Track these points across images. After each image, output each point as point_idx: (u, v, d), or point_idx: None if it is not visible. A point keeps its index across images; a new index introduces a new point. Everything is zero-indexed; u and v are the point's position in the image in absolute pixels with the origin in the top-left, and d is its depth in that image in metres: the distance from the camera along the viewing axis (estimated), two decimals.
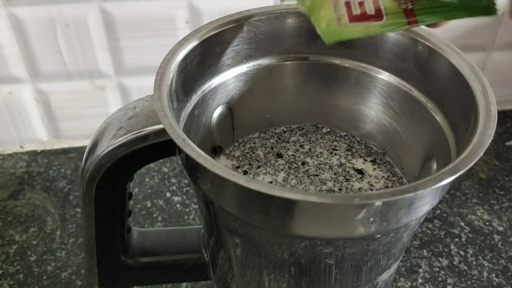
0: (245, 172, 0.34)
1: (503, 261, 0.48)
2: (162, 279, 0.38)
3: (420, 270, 0.47)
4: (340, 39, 0.25)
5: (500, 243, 0.49)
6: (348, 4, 0.24)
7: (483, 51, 0.60)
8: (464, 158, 0.23)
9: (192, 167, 0.26)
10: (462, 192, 0.54)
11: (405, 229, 0.27)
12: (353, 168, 0.35)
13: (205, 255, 0.36)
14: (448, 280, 0.46)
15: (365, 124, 0.36)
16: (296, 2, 0.26)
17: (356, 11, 0.24)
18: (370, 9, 0.24)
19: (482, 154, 0.23)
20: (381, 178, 0.34)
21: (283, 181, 0.34)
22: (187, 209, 0.52)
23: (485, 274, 0.47)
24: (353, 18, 0.24)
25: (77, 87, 0.56)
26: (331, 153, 0.36)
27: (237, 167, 0.35)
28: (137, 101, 0.31)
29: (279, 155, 0.36)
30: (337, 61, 0.34)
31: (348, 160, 0.35)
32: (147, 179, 0.56)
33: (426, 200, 0.25)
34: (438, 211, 0.52)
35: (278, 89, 0.36)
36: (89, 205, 0.31)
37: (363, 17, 0.24)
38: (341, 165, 0.35)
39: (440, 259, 0.48)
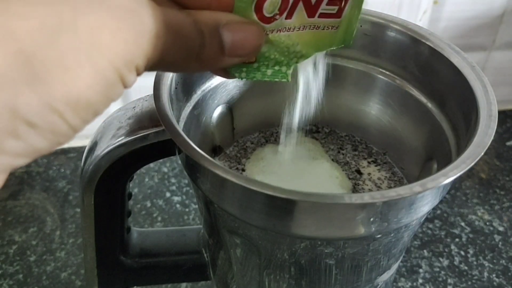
0: (243, 171, 0.34)
1: (503, 261, 0.48)
2: (162, 279, 0.38)
3: (421, 270, 0.47)
4: (354, 29, 0.25)
5: (500, 243, 0.49)
6: (322, 15, 0.23)
7: (483, 50, 0.60)
8: (465, 158, 0.23)
9: (192, 167, 0.26)
10: (462, 192, 0.54)
11: (405, 229, 0.27)
12: (355, 169, 0.35)
13: (205, 255, 0.36)
14: (449, 280, 0.46)
15: (365, 124, 0.36)
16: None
17: (334, 9, 0.23)
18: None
19: (482, 154, 0.23)
20: (384, 179, 0.34)
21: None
22: (187, 209, 0.52)
23: (486, 274, 0.47)
24: (340, 13, 0.23)
25: None
26: (338, 151, 0.36)
27: (236, 168, 0.35)
28: (136, 100, 0.31)
29: None
30: (337, 61, 0.34)
31: (353, 160, 0.35)
32: (146, 179, 0.55)
33: (426, 200, 0.25)
34: (439, 211, 0.52)
35: (278, 89, 0.36)
36: (88, 205, 0.31)
37: (343, 3, 0.23)
38: (346, 163, 0.35)
39: (440, 259, 0.48)
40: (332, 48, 0.25)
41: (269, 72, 0.24)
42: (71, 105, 0.15)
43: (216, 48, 0.21)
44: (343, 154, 0.36)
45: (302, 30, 0.23)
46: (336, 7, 0.23)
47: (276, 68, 0.24)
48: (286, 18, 0.23)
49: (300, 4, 0.22)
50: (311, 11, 0.23)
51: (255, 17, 0.22)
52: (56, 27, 0.15)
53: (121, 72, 0.16)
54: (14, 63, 0.14)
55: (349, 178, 0.34)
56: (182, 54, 0.20)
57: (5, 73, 0.13)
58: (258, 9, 0.22)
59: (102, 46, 0.15)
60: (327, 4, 0.23)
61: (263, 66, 0.24)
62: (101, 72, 0.15)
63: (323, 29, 0.24)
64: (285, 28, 0.23)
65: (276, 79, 0.24)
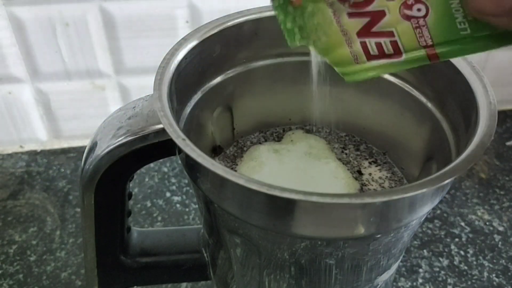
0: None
1: (503, 261, 0.48)
2: (162, 279, 0.38)
3: (421, 270, 0.47)
4: (360, 79, 0.25)
5: (500, 243, 0.49)
6: (363, 44, 0.23)
7: None
8: (464, 158, 0.23)
9: (192, 167, 0.26)
10: (462, 192, 0.54)
11: (405, 229, 0.27)
12: (356, 170, 0.35)
13: (205, 255, 0.36)
14: (449, 280, 0.46)
15: (365, 124, 0.36)
16: (297, 42, 0.24)
17: (374, 51, 0.23)
18: (388, 49, 0.23)
19: (482, 154, 0.23)
20: (385, 179, 0.34)
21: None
22: (187, 209, 0.52)
23: (486, 274, 0.47)
24: (371, 57, 0.24)
25: (77, 86, 0.56)
26: (341, 151, 0.36)
27: (231, 168, 0.35)
28: (136, 100, 0.31)
29: None
30: None
31: (356, 160, 0.35)
32: (147, 179, 0.55)
33: (426, 200, 0.25)
34: (439, 211, 0.52)
35: (278, 89, 0.36)
36: (88, 205, 0.31)
37: (382, 55, 0.23)
38: (348, 163, 0.35)
39: (440, 259, 0.48)
40: (335, 67, 0.25)
41: (289, 25, 0.24)
42: None
43: None
44: (346, 154, 0.36)
45: (343, 34, 0.23)
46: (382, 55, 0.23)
47: (296, 30, 0.24)
48: (349, 15, 0.23)
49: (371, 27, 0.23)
50: (364, 32, 0.23)
51: None
52: None
53: None
54: None
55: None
56: None
57: None
58: None
59: None
60: (375, 48, 0.23)
61: (291, 17, 0.23)
62: None
63: (352, 51, 0.24)
64: (339, 17, 0.23)
65: (285, 34, 0.24)
